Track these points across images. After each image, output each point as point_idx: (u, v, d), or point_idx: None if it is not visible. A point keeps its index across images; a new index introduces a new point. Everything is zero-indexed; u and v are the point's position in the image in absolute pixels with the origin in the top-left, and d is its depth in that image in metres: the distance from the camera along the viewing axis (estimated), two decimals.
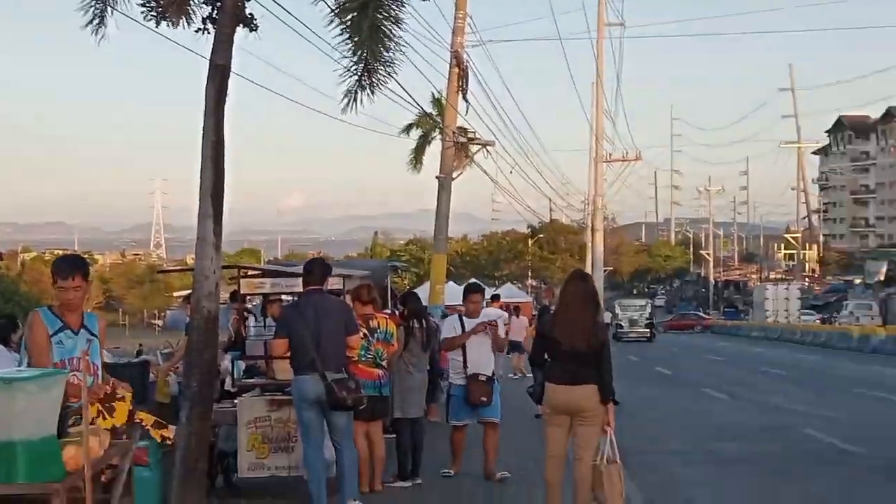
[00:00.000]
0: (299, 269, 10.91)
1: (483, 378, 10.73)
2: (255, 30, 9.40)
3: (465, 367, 10.78)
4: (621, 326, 56.76)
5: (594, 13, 45.05)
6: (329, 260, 15.91)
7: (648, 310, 60.45)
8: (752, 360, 37.61)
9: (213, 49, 9.02)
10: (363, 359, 9.91)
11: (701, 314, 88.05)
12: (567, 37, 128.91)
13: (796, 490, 11.00)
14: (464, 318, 11.02)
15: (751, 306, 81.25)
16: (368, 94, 9.61)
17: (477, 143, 27.65)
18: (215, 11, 9.19)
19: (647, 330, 57.67)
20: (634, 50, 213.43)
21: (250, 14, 9.32)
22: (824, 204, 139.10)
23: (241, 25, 9.21)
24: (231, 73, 9.12)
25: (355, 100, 9.60)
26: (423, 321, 11.10)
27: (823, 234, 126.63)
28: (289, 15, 12.69)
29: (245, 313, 13.24)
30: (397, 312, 11.92)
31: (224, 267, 10.65)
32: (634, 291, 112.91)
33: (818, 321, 66.24)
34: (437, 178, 26.79)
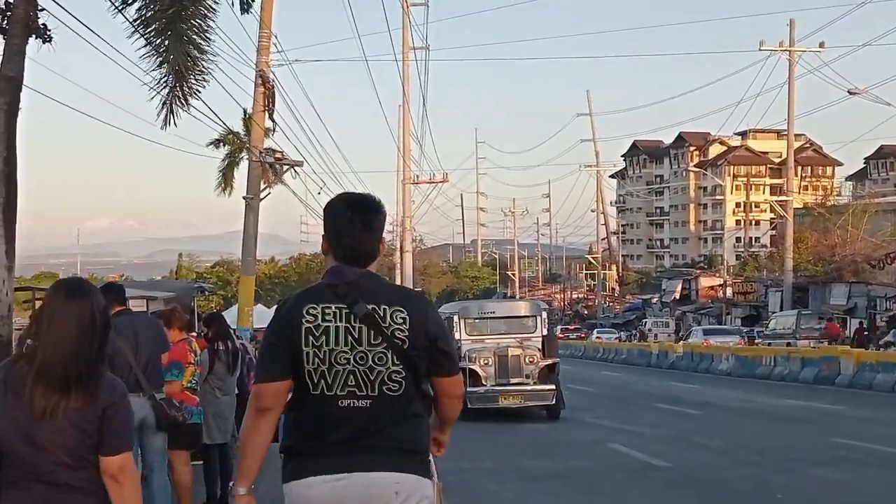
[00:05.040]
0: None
1: None
2: (49, 41, 8.94)
3: None
4: (475, 375, 20.54)
5: (399, 35, 45.31)
6: (130, 282, 15.30)
7: (540, 324, 22.11)
8: None
9: (2, 60, 8.53)
10: (189, 384, 9.42)
11: None
12: (373, 58, 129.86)
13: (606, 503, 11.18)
14: None
15: None
16: (182, 105, 9.29)
17: (285, 164, 27.21)
18: (5, 21, 8.71)
19: (551, 387, 20.93)
20: (440, 73, 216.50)
21: (43, 25, 8.87)
22: (622, 225, 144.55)
23: (33, 37, 8.75)
24: (24, 87, 8.64)
25: (171, 112, 9.27)
26: (229, 343, 10.69)
27: (622, 255, 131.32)
28: (86, 28, 12.14)
29: None
30: (202, 335, 11.47)
31: (18, 289, 10.03)
32: None
33: (617, 339, 68.49)
34: (243, 198, 26.28)
